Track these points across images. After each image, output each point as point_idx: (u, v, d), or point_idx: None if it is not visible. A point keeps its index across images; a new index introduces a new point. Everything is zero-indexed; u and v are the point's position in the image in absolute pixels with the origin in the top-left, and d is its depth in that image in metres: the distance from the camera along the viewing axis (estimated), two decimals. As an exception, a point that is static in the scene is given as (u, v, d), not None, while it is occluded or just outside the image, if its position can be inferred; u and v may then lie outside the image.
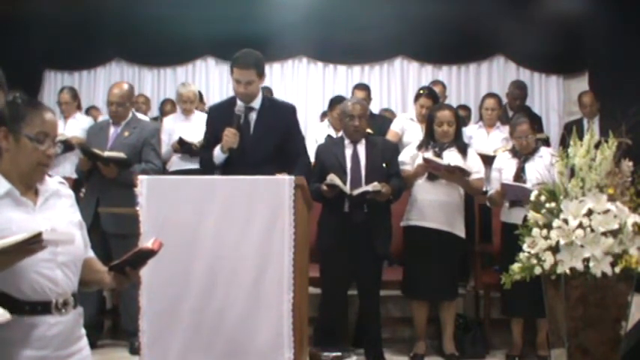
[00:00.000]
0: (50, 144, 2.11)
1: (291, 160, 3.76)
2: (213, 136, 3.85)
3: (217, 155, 3.78)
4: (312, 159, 4.42)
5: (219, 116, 3.84)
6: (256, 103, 3.82)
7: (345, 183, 4.23)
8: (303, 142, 4.13)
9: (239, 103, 3.78)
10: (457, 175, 4.40)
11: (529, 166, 4.45)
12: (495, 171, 4.62)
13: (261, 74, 3.79)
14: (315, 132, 5.95)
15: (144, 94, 7.40)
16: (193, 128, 5.61)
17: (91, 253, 2.31)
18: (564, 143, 5.09)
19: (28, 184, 2.12)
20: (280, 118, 3.85)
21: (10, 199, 2.06)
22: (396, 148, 4.82)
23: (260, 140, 3.76)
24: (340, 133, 4.66)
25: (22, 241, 1.83)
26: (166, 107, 6.93)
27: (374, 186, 4.16)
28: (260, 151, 3.73)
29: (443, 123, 4.51)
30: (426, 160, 4.39)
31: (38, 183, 2.15)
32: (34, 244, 1.85)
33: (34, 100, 2.45)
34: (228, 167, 3.78)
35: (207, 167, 3.90)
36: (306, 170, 3.72)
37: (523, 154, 4.52)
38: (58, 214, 2.15)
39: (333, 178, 4.15)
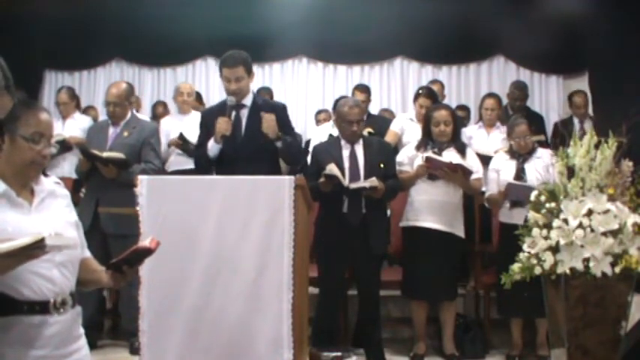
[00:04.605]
0: (45, 144, 2.11)
1: None
2: (206, 137, 3.92)
3: (211, 147, 3.86)
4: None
5: (213, 118, 3.90)
6: (247, 101, 3.93)
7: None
8: (296, 137, 4.22)
9: (230, 97, 3.88)
10: (458, 174, 4.38)
11: (528, 167, 4.45)
12: (493, 172, 4.59)
13: (249, 71, 3.90)
14: (319, 132, 5.91)
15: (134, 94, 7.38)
16: (191, 128, 5.60)
17: (87, 254, 2.32)
18: (555, 142, 5.09)
19: (23, 184, 2.12)
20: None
21: (6, 199, 2.06)
22: (393, 149, 4.80)
23: (252, 135, 3.84)
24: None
25: (24, 245, 1.83)
26: (158, 110, 6.90)
27: (371, 181, 4.12)
28: (253, 146, 3.82)
29: (440, 123, 4.49)
30: (427, 158, 4.36)
31: (34, 183, 2.15)
32: (36, 249, 1.85)
33: (30, 100, 2.45)
34: (222, 163, 3.86)
35: (202, 162, 3.98)
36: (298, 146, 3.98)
37: (521, 154, 4.51)
38: (54, 214, 2.15)
39: (332, 168, 4.11)
